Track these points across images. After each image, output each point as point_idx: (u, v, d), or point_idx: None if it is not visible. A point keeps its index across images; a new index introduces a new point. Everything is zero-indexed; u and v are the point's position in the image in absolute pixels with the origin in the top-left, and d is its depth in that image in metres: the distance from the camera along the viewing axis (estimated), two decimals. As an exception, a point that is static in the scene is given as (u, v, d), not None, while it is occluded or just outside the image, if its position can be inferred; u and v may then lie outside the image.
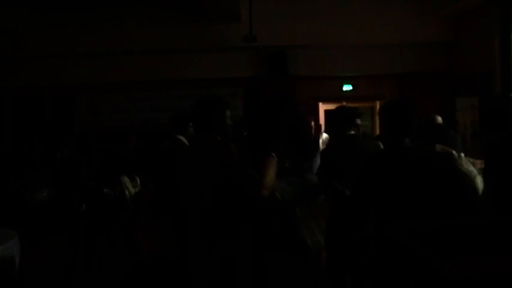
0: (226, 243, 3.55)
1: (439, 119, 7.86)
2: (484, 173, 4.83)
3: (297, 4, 10.78)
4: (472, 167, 5.34)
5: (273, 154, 3.50)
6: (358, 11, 10.87)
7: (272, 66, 11.49)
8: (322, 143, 9.48)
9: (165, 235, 5.84)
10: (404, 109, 3.67)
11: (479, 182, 4.78)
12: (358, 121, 5.44)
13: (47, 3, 10.42)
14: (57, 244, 5.79)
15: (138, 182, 7.61)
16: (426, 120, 7.81)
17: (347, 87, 12.04)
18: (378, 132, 10.80)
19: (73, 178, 6.72)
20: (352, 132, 5.35)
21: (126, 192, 7.26)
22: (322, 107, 12.43)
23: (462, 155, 5.39)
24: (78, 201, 6.32)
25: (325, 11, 10.83)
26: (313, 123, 6.20)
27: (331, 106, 12.06)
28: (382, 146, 4.96)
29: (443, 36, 11.13)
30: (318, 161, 5.15)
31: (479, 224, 2.82)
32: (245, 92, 12.06)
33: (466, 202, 3.70)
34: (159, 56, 11.59)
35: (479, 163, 7.48)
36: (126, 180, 7.39)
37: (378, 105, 12.43)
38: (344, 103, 11.66)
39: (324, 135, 9.98)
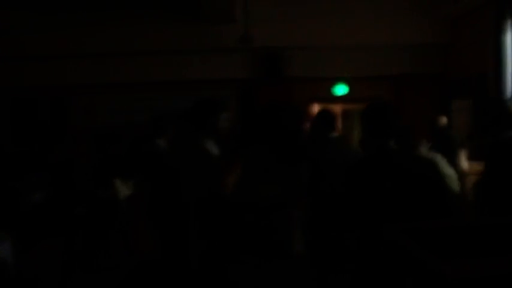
0: (221, 242, 3.58)
1: (444, 119, 7.91)
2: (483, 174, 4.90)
3: (293, 5, 10.79)
4: (451, 171, 5.46)
5: (241, 154, 3.55)
6: (354, 12, 10.88)
7: (268, 68, 11.48)
8: None
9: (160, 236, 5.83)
10: (387, 111, 3.63)
11: (457, 184, 4.89)
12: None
13: (43, 5, 10.40)
14: (54, 246, 5.79)
15: (132, 184, 7.59)
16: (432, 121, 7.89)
17: (344, 89, 12.01)
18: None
19: (68, 180, 6.71)
20: (335, 134, 5.47)
21: (121, 194, 7.26)
22: (318, 108, 12.44)
23: (445, 160, 5.48)
24: (73, 203, 6.31)
25: (321, 12, 10.84)
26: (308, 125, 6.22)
27: (327, 107, 12.07)
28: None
29: (440, 38, 11.14)
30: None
31: (476, 226, 2.82)
32: (241, 94, 12.03)
33: (447, 206, 3.68)
34: (154, 57, 11.57)
35: (475, 165, 7.51)
36: (120, 182, 7.38)
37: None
38: (340, 104, 11.73)
39: None
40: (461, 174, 7.14)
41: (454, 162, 7.07)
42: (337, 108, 11.57)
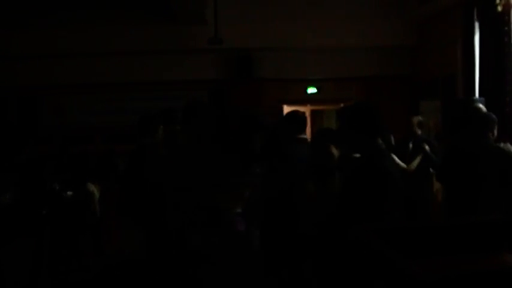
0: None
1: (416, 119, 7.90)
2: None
3: (264, 7, 10.83)
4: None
5: None
6: (323, 14, 10.96)
7: (238, 69, 11.48)
8: None
9: (131, 237, 5.83)
10: (376, 110, 3.69)
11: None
12: None
13: (14, 4, 10.31)
14: (22, 248, 5.73)
15: (100, 185, 7.56)
16: None
17: (312, 90, 12.07)
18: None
19: (37, 180, 6.65)
20: (305, 136, 5.55)
21: (93, 196, 7.22)
22: (287, 110, 12.48)
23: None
24: (42, 204, 6.26)
25: (291, 14, 10.91)
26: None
27: (296, 109, 12.13)
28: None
29: (408, 40, 11.26)
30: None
31: (444, 226, 2.87)
32: (211, 94, 12.02)
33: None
34: (126, 58, 11.50)
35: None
36: (91, 184, 7.34)
37: (342, 107, 12.55)
38: (308, 105, 11.80)
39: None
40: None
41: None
42: (307, 109, 11.65)
